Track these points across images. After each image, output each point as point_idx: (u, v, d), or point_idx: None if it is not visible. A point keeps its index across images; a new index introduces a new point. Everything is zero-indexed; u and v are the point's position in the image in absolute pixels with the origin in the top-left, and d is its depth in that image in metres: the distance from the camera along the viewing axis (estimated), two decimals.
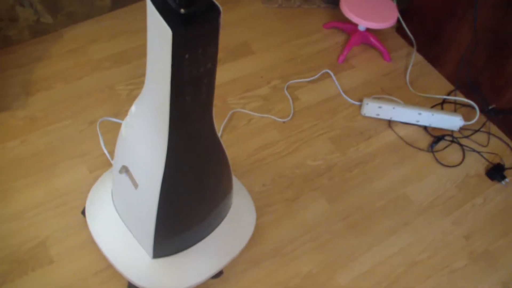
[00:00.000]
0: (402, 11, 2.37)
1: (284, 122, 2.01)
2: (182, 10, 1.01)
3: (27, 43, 2.13)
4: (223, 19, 2.37)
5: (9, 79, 2.00)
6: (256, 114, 2.02)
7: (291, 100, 2.09)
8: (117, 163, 1.45)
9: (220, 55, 2.22)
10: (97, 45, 2.16)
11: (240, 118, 2.01)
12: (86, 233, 1.62)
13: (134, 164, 1.37)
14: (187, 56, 1.05)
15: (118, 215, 1.57)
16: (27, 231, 1.64)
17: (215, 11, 1.05)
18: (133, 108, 1.34)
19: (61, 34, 2.18)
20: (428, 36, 2.34)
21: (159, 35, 1.04)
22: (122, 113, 1.93)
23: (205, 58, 1.09)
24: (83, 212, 1.66)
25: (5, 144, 1.83)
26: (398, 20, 2.36)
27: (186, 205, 1.40)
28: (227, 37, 2.30)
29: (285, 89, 2.12)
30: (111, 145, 1.82)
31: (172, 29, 0.99)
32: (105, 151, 1.80)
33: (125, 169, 1.41)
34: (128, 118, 1.37)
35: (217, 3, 1.05)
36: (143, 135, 1.30)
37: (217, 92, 2.07)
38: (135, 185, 1.38)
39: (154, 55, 1.12)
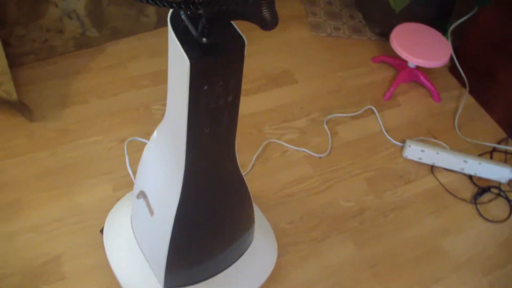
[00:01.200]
0: (456, 48, 2.25)
1: (320, 158, 1.93)
2: (204, 40, 0.95)
3: (70, 54, 2.13)
4: (268, 44, 2.32)
5: (48, 89, 2.00)
6: (291, 146, 1.94)
7: (329, 135, 2.00)
8: (136, 187, 1.41)
9: (261, 81, 2.16)
10: (137, 62, 2.14)
11: (274, 149, 1.93)
12: (102, 254, 1.57)
13: (151, 190, 1.32)
14: (205, 87, 0.99)
15: (135, 239, 1.52)
16: (44, 244, 1.61)
17: (240, 43, 0.99)
18: (154, 134, 1.29)
19: (103, 49, 2.17)
20: (481, 77, 2.21)
21: (178, 64, 0.98)
22: None
23: (226, 91, 1.03)
24: (102, 231, 1.62)
25: (35, 154, 1.82)
26: (451, 59, 2.24)
27: (201, 238, 1.33)
28: (270, 63, 2.24)
29: (324, 123, 2.04)
30: (137, 165, 1.78)
31: (190, 59, 0.93)
32: (130, 172, 1.76)
33: (142, 195, 1.36)
34: (149, 143, 1.33)
35: (242, 34, 0.99)
36: (161, 162, 1.25)
37: (253, 120, 2.01)
38: (151, 212, 1.33)
39: (173, 83, 1.06)
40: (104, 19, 2.14)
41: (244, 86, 2.10)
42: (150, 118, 1.95)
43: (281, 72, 2.22)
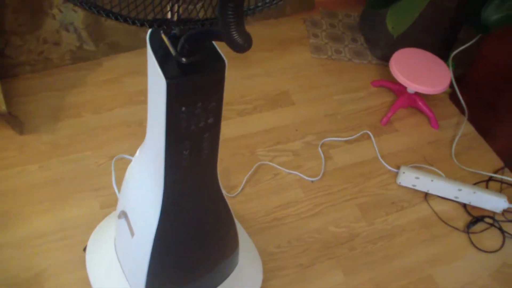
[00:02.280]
0: (457, 75, 2.23)
1: (312, 182, 1.90)
2: (184, 59, 0.93)
3: (66, 68, 2.13)
4: (268, 65, 2.31)
5: (42, 101, 1.99)
6: (283, 169, 1.92)
7: (323, 159, 1.98)
8: (119, 206, 1.38)
9: (258, 102, 2.14)
10: (134, 78, 2.13)
11: (266, 171, 1.91)
12: (84, 272, 1.55)
13: (131, 211, 1.29)
14: (183, 108, 0.97)
15: (117, 260, 1.49)
16: (28, 259, 1.59)
17: (220, 64, 0.97)
18: (137, 153, 1.27)
19: (100, 63, 2.17)
20: (482, 106, 2.18)
21: (156, 83, 0.97)
22: None
23: (205, 113, 1.01)
24: (85, 250, 1.60)
25: (25, 167, 1.80)
26: (452, 86, 2.22)
27: (181, 262, 1.31)
28: (268, 84, 2.22)
29: (319, 147, 2.02)
30: None
31: (166, 78, 0.91)
32: (116, 190, 1.74)
33: (124, 214, 1.34)
34: (132, 163, 1.31)
35: (223, 55, 0.97)
36: (141, 183, 1.23)
37: (247, 141, 1.99)
38: (132, 232, 1.30)
39: (152, 102, 1.04)
40: (102, 33, 2.14)
41: (240, 106, 2.09)
42: (142, 135, 1.92)
43: (279, 93, 2.20)
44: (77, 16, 2.04)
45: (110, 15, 0.74)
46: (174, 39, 0.95)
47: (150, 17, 0.80)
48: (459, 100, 2.23)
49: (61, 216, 1.69)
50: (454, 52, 2.16)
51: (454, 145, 2.13)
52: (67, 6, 2.00)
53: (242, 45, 0.72)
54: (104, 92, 2.07)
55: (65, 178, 1.78)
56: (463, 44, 2.21)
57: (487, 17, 1.58)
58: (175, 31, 0.84)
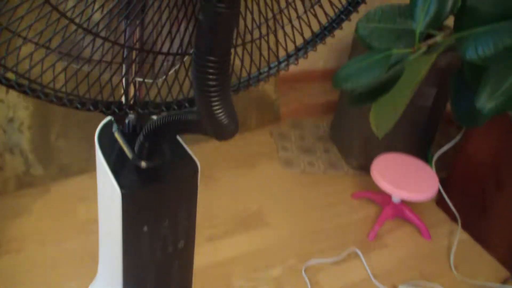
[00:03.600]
0: (442, 179, 2.05)
1: None
2: (143, 164, 0.71)
3: (9, 195, 1.87)
4: (237, 184, 2.10)
5: None
6: None
7: (309, 286, 1.71)
8: None
9: (228, 225, 1.90)
10: (87, 204, 1.87)
11: None
12: None
13: None
14: (145, 228, 0.73)
15: None
16: None
17: (191, 168, 0.75)
18: None
19: (49, 189, 1.92)
20: (473, 210, 1.99)
21: (108, 197, 0.73)
22: None
23: (174, 233, 0.77)
24: None
25: None
26: (438, 191, 2.03)
27: None
28: (238, 204, 2.00)
29: (303, 271, 1.76)
30: None
31: (121, 188, 0.68)
32: None
33: None
34: None
35: (195, 157, 0.75)
36: None
37: (219, 271, 1.72)
38: None
39: (104, 221, 0.80)
40: (51, 154, 1.91)
41: (208, 231, 1.86)
42: (96, 272, 1.65)
43: (251, 213, 1.97)
44: (24, 136, 1.82)
45: (53, 98, 0.52)
46: (130, 137, 0.73)
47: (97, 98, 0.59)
48: (447, 206, 2.04)
49: None
50: (437, 154, 2.00)
51: (451, 256, 1.90)
52: (12, 126, 1.79)
53: (228, 127, 0.50)
54: (52, 222, 1.79)
55: None
56: (439, 145, 2.05)
57: (483, 106, 1.43)
58: (131, 119, 0.62)
